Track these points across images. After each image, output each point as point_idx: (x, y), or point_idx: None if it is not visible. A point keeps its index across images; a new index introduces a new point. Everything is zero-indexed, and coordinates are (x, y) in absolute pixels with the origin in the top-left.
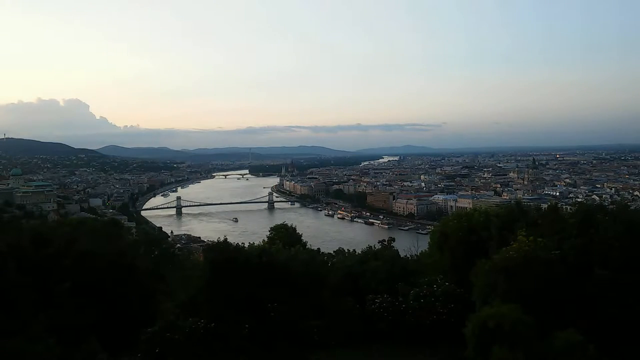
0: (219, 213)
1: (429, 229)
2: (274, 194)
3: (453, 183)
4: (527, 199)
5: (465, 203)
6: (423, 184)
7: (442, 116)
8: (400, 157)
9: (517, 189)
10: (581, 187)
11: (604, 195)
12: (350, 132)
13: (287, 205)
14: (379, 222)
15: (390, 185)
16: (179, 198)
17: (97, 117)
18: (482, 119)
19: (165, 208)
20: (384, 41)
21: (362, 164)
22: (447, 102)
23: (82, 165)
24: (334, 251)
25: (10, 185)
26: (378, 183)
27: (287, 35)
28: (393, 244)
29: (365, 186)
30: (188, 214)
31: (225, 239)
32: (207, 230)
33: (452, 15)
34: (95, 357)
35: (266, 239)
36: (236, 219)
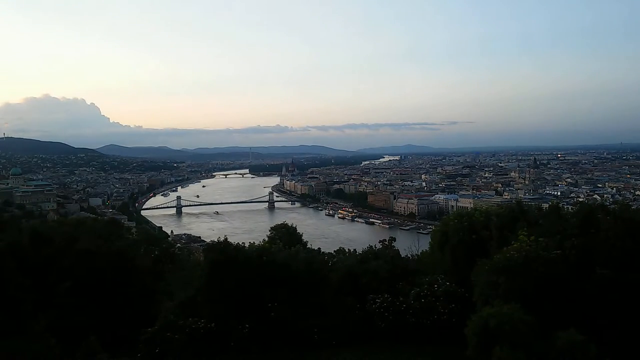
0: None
1: (430, 228)
2: (275, 193)
3: (454, 183)
4: (528, 198)
5: (466, 203)
6: (424, 184)
7: (452, 115)
8: (401, 157)
9: (518, 189)
10: (582, 187)
11: (605, 195)
12: (359, 130)
13: (288, 204)
14: (379, 221)
15: (391, 185)
16: (179, 197)
17: (99, 117)
18: (489, 118)
19: (165, 208)
20: (393, 42)
21: (363, 163)
22: (457, 101)
23: (82, 164)
24: (334, 251)
25: (10, 185)
26: (379, 183)
27: (292, 35)
28: (394, 243)
29: (366, 186)
30: (188, 213)
31: (226, 239)
32: (207, 229)
33: (460, 15)
34: (95, 357)
35: (266, 239)
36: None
